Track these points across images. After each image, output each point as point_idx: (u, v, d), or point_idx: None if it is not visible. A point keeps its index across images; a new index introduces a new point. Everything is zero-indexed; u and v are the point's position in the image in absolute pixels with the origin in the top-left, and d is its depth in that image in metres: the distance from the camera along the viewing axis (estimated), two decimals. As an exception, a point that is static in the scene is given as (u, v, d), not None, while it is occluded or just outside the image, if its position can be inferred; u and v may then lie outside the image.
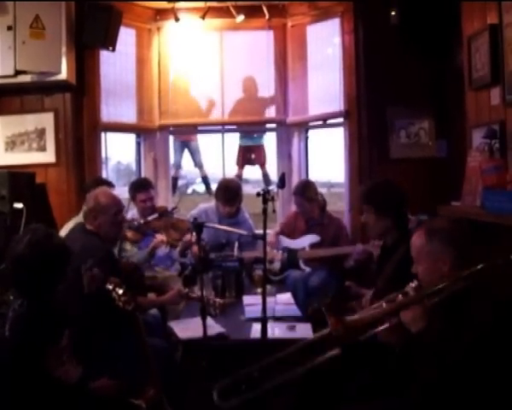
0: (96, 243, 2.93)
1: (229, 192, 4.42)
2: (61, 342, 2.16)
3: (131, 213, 4.36)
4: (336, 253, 4.22)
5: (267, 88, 5.39)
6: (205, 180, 6.38)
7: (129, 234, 3.90)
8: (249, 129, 5.81)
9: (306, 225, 4.45)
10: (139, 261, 3.84)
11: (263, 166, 5.98)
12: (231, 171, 5.78)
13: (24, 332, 2.04)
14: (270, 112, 5.44)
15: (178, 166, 6.10)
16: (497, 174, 2.97)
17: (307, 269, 4.23)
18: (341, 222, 4.55)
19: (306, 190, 4.38)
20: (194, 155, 6.26)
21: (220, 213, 4.46)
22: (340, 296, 3.43)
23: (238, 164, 5.88)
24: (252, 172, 6.25)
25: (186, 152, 6.24)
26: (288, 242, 4.42)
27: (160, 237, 3.95)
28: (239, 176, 5.84)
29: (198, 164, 6.32)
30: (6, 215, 3.81)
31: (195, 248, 3.89)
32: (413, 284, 2.13)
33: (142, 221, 3.96)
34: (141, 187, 4.37)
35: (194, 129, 5.85)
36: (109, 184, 4.04)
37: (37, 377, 2.03)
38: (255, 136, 5.89)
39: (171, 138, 5.65)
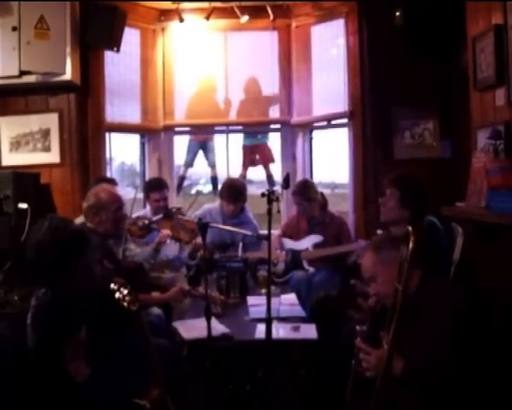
0: (95, 241, 2.91)
1: (234, 190, 4.44)
2: (80, 334, 2.17)
3: (144, 211, 4.37)
4: (339, 251, 4.23)
5: (271, 88, 5.39)
6: (214, 180, 6.36)
7: (134, 228, 3.89)
8: (253, 130, 5.80)
9: (308, 225, 4.44)
10: (144, 259, 3.83)
11: (268, 165, 5.95)
12: (235, 171, 5.79)
13: (47, 320, 2.05)
14: (275, 112, 5.44)
15: (189, 165, 6.08)
16: (503, 175, 2.95)
17: (311, 269, 4.23)
18: (343, 220, 4.53)
19: (305, 191, 4.38)
20: (209, 154, 6.24)
21: (224, 212, 4.47)
22: (345, 294, 3.43)
23: (243, 164, 5.87)
24: (256, 173, 6.24)
25: (200, 152, 6.23)
26: (291, 243, 4.41)
27: (165, 231, 3.93)
28: (243, 176, 5.84)
29: (211, 164, 6.31)
30: (10, 215, 3.80)
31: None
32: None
33: (146, 222, 3.95)
34: (155, 187, 4.41)
35: (198, 130, 5.85)
36: (111, 182, 4.05)
37: (54, 365, 2.04)
38: (259, 136, 5.88)
39: (176, 138, 5.63)
